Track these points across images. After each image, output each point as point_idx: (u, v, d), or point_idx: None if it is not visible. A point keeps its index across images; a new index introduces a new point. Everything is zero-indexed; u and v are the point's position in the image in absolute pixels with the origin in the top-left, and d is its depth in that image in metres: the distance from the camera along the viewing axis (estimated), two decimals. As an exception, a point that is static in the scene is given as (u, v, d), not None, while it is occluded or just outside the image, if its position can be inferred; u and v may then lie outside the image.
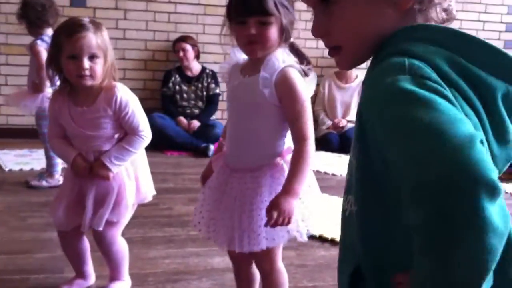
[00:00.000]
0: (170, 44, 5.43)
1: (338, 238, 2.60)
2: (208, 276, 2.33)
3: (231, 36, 1.61)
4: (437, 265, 0.65)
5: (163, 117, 4.96)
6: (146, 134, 2.02)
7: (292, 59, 1.62)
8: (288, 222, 1.54)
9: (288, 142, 1.66)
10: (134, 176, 2.08)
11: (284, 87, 1.57)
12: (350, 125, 5.35)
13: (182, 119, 5.11)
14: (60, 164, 3.57)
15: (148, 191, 2.15)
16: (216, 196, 1.69)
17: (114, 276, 2.16)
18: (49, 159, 3.58)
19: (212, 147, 4.77)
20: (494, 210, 0.63)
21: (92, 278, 2.21)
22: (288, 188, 1.54)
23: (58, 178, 3.57)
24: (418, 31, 0.80)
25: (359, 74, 5.53)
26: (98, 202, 2.01)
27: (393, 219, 0.77)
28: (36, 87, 3.41)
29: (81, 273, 2.18)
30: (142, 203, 2.17)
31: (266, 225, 1.53)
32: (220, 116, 5.53)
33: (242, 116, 1.66)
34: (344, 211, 0.89)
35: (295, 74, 1.59)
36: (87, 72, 1.90)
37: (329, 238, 2.72)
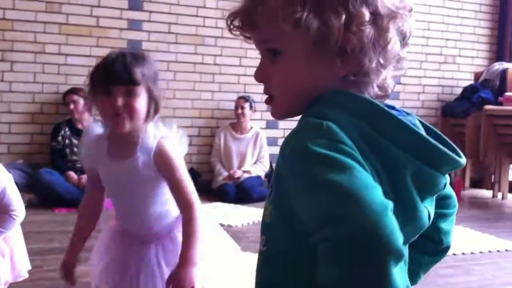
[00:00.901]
0: (59, 96, 5.25)
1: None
2: None
3: (95, 107, 1.55)
4: None
5: (51, 172, 4.74)
6: (18, 213, 1.95)
7: (163, 130, 1.58)
8: None
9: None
10: (9, 253, 1.99)
11: (162, 161, 1.54)
12: (246, 175, 5.38)
13: (72, 173, 4.90)
14: None
15: (23, 267, 2.07)
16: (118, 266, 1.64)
17: None
18: None
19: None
20: (397, 273, 0.68)
21: None
22: (185, 259, 1.50)
23: None
24: (339, 96, 0.81)
25: (254, 125, 5.62)
26: None
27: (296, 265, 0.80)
28: None
29: None
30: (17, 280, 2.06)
31: None
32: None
33: (127, 193, 1.61)
34: (259, 251, 0.89)
35: (168, 145, 1.56)
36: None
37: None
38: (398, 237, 0.69)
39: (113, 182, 1.62)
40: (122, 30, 5.47)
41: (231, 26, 0.87)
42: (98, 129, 1.63)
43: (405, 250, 0.72)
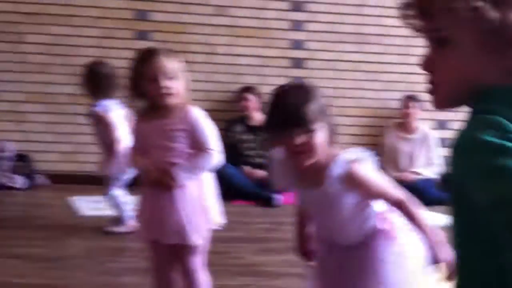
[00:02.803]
0: (231, 95, 5.57)
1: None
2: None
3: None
4: None
5: (228, 166, 5.06)
6: (213, 152, 2.11)
7: (348, 154, 1.66)
8: None
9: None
10: (200, 199, 2.16)
11: (355, 183, 1.62)
12: (416, 177, 5.26)
13: (248, 168, 5.20)
14: (127, 210, 3.71)
15: (217, 218, 2.22)
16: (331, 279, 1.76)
17: None
18: (116, 207, 3.75)
19: (279, 197, 4.77)
20: None
21: None
22: (433, 239, 1.59)
23: (127, 224, 3.72)
24: (509, 94, 0.84)
25: (422, 125, 5.52)
26: (170, 215, 2.10)
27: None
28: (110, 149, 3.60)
29: None
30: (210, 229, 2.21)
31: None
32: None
33: (327, 215, 1.70)
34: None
35: (355, 167, 1.62)
36: (166, 90, 2.07)
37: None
38: None
39: (309, 205, 1.76)
40: (286, 30, 5.70)
41: (405, 15, 0.89)
42: (279, 155, 1.72)
43: None
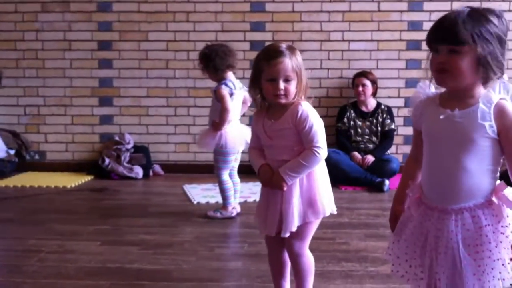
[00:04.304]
0: (343, 81, 5.54)
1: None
2: (388, 313, 2.31)
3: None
4: None
5: (337, 152, 5.03)
6: (320, 150, 2.11)
7: (502, 93, 1.56)
8: None
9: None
10: (308, 191, 2.16)
11: (505, 120, 1.52)
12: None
13: (356, 154, 5.14)
14: (232, 197, 3.84)
15: (327, 207, 2.20)
16: (418, 240, 1.66)
17: None
18: (222, 192, 3.84)
19: (387, 182, 4.74)
20: None
21: None
22: None
23: (231, 210, 3.83)
24: None
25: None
26: (280, 211, 2.15)
27: None
28: (215, 126, 3.70)
29: (277, 287, 2.33)
30: (320, 218, 2.21)
31: None
32: (394, 151, 5.47)
33: (451, 151, 1.57)
34: None
35: (509, 105, 1.53)
36: (282, 92, 2.11)
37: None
38: None
39: (435, 138, 1.63)
40: (403, 12, 5.49)
41: None
42: (428, 89, 1.67)
43: None
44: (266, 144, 2.22)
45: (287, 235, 2.15)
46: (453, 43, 1.49)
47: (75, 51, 5.62)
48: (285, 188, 2.12)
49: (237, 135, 3.74)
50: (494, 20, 1.51)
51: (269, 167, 2.18)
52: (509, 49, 1.56)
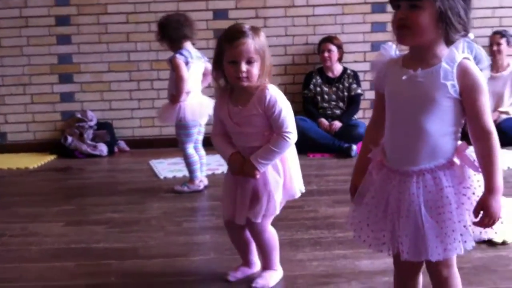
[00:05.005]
0: (309, 47, 5.48)
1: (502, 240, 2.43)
2: (357, 279, 2.30)
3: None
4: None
5: (304, 119, 4.99)
6: (290, 135, 2.09)
7: (465, 53, 1.51)
8: (493, 223, 1.49)
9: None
10: (283, 173, 2.16)
11: (467, 80, 1.48)
12: (504, 116, 5.02)
13: (323, 120, 5.11)
14: (198, 170, 3.79)
15: (297, 188, 2.21)
16: (380, 204, 1.63)
17: (266, 265, 2.30)
18: (188, 166, 3.79)
19: (355, 147, 4.73)
20: None
21: (256, 267, 2.36)
22: (492, 187, 1.47)
23: (199, 184, 3.78)
24: None
25: (511, 62, 5.18)
26: (252, 197, 2.14)
27: None
28: (173, 98, 3.62)
29: (246, 262, 2.36)
30: (290, 199, 2.23)
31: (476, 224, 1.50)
32: (361, 116, 5.46)
33: (413, 112, 1.54)
34: None
35: (474, 67, 1.49)
36: (244, 75, 2.05)
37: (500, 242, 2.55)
38: None
39: (397, 99, 1.59)
40: (365, -25, 5.43)
41: None
42: (392, 51, 1.63)
43: None
44: (234, 131, 2.16)
45: (259, 220, 2.14)
46: None
47: (32, 28, 5.44)
48: (257, 176, 2.10)
49: (196, 107, 3.66)
50: None
51: (240, 155, 2.15)
52: (476, 8, 1.52)
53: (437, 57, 1.50)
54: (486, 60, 1.55)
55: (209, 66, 3.74)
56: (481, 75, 1.49)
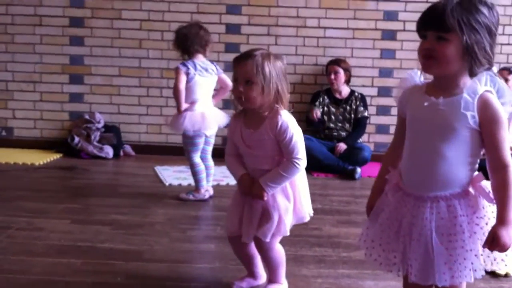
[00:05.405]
0: (318, 68, 5.54)
1: (505, 272, 2.45)
2: (361, 297, 2.33)
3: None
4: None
5: (310, 138, 5.03)
6: (300, 161, 2.11)
7: (487, 86, 1.56)
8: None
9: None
10: (292, 197, 2.18)
11: (488, 112, 1.52)
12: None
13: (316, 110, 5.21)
14: (204, 180, 3.81)
15: (306, 212, 2.24)
16: (393, 225, 1.67)
17: (272, 278, 2.32)
18: (194, 175, 3.82)
19: (359, 170, 4.77)
20: None
21: (262, 279, 2.39)
22: (506, 219, 1.50)
23: (204, 193, 3.81)
24: None
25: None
26: (262, 216, 2.17)
27: None
28: (177, 108, 3.70)
29: (251, 273, 2.38)
30: (299, 223, 2.27)
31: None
32: (367, 139, 5.52)
33: (432, 139, 1.58)
34: None
35: (496, 100, 1.53)
36: (240, 95, 2.07)
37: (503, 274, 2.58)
38: None
39: (418, 125, 1.63)
40: (379, 1, 5.51)
41: None
42: (417, 78, 1.68)
43: None
44: (245, 153, 2.19)
45: (268, 240, 2.16)
46: (440, 30, 1.49)
47: (46, 27, 5.50)
48: (265, 198, 2.12)
49: (198, 118, 3.69)
50: (484, 10, 1.51)
51: (249, 176, 2.18)
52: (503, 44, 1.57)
53: (460, 88, 1.55)
54: (508, 94, 1.58)
55: (225, 78, 3.79)
56: (502, 109, 1.53)
